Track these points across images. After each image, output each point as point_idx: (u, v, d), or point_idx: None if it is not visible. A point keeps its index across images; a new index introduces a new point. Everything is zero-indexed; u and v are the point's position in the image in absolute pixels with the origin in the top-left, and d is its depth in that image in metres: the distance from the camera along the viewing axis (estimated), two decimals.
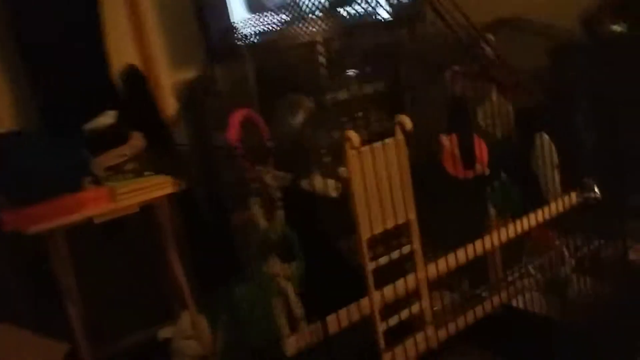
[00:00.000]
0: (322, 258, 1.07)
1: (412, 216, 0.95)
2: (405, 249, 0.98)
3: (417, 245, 0.97)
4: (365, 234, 0.89)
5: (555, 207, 1.35)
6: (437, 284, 1.13)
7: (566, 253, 1.50)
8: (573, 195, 1.39)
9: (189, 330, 2.23)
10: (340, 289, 1.05)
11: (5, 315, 1.71)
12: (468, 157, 1.22)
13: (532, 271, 1.46)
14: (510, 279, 1.43)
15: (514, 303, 1.48)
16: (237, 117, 0.98)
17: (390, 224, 0.93)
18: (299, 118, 0.96)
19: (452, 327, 1.15)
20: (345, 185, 0.92)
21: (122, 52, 2.35)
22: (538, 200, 1.37)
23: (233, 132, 0.95)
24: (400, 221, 0.94)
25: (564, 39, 1.28)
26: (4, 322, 1.61)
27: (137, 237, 2.38)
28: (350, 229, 0.96)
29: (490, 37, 1.20)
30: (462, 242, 1.23)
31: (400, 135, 0.92)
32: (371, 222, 0.89)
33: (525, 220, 1.31)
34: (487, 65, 1.06)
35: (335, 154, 0.99)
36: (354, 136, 0.84)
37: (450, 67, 1.11)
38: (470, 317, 1.21)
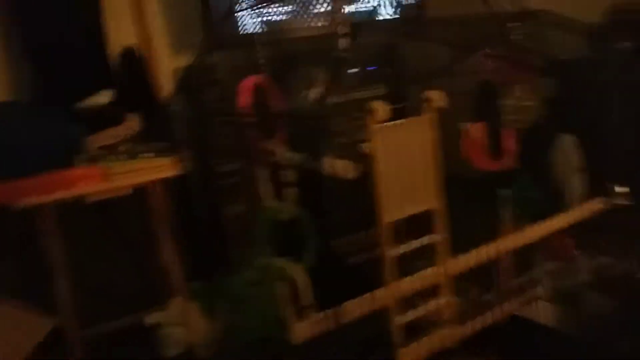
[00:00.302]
0: (331, 247, 1.01)
1: (438, 204, 0.88)
2: (428, 239, 0.91)
3: (441, 235, 0.90)
4: (386, 217, 0.81)
5: (575, 214, 1.28)
6: None
7: (582, 264, 1.44)
8: (597, 201, 1.32)
9: (178, 317, 2.16)
10: (345, 280, 0.99)
11: None
12: (496, 148, 1.15)
13: (544, 279, 1.39)
14: (520, 286, 1.37)
15: (523, 312, 1.41)
16: (249, 82, 0.91)
17: (413, 210, 0.86)
18: (315, 92, 0.89)
19: (460, 331, 1.08)
20: (364, 165, 0.84)
21: (121, 33, 2.28)
22: (559, 204, 1.30)
23: (244, 98, 0.88)
24: (425, 208, 0.87)
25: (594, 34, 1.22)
26: None
27: (129, 219, 2.31)
28: (365, 216, 0.90)
29: (517, 24, 1.14)
30: (477, 242, 1.16)
31: (429, 113, 0.85)
32: (393, 205, 0.82)
33: (543, 225, 1.24)
34: (516, 49, 0.99)
35: (351, 134, 0.92)
36: (380, 107, 0.76)
37: (479, 50, 1.04)
38: (477, 324, 1.15)
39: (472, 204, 1.22)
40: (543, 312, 1.35)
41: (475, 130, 1.13)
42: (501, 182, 1.21)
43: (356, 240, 1.04)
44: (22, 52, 2.11)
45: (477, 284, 1.28)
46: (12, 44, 2.12)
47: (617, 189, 1.28)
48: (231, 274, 1.19)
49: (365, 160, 0.84)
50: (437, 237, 0.89)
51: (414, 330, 0.96)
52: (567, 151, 1.23)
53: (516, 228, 1.20)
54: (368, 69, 1.10)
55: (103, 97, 2.11)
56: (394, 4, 0.98)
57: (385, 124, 0.80)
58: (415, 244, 0.88)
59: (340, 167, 0.91)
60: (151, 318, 2.15)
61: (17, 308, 1.65)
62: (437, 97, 0.82)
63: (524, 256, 1.34)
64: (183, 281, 2.14)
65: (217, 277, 1.90)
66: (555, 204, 1.24)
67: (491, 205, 1.28)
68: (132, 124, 2.14)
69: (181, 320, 2.11)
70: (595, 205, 1.30)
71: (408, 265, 0.96)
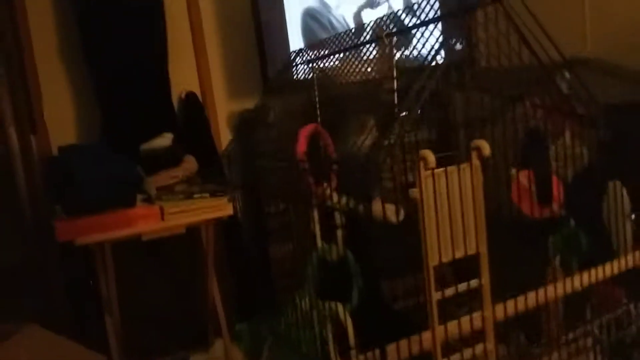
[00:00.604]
0: (377, 289, 1.02)
1: (483, 248, 0.90)
2: (474, 283, 0.92)
3: (485, 280, 0.91)
4: (433, 260, 0.84)
5: (624, 262, 1.26)
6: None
7: (633, 315, 1.40)
8: None
9: (221, 358, 2.19)
10: (390, 323, 1.00)
11: (49, 324, 1.72)
12: (544, 194, 1.16)
13: (595, 330, 1.35)
14: (570, 337, 1.33)
15: None
16: (305, 131, 0.96)
17: (459, 254, 0.88)
18: (365, 138, 0.93)
19: None
20: (412, 209, 0.87)
21: (183, 79, 2.43)
22: (608, 253, 1.28)
23: (301, 145, 0.93)
24: (470, 252, 0.89)
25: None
26: (37, 325, 1.62)
27: (180, 258, 2.39)
28: (411, 261, 0.91)
29: (566, 73, 1.16)
30: (525, 289, 1.15)
31: (476, 161, 0.88)
32: (440, 248, 0.84)
33: (591, 272, 1.22)
34: (564, 97, 1.01)
35: (399, 178, 0.95)
36: (429, 155, 0.80)
37: (528, 99, 1.07)
38: None
39: (523, 251, 1.21)
40: None
41: (523, 177, 1.15)
42: (551, 228, 1.21)
43: (402, 284, 1.05)
44: (93, 96, 2.28)
45: (525, 333, 1.26)
46: (84, 89, 2.29)
47: None
48: (276, 315, 1.22)
49: (412, 205, 0.86)
50: (482, 281, 0.90)
51: None
52: (617, 198, 1.22)
53: (565, 275, 1.18)
54: (417, 114, 1.13)
55: (165, 140, 2.23)
56: (446, 51, 1.02)
57: (434, 170, 0.83)
58: (460, 287, 0.89)
59: (388, 211, 0.94)
60: (195, 358, 2.19)
61: (69, 344, 1.71)
62: (484, 146, 0.85)
63: (574, 306, 1.32)
64: (228, 322, 2.18)
65: (262, 319, 1.93)
66: (604, 251, 1.22)
67: (541, 252, 1.28)
68: (190, 165, 2.25)
69: None
70: None
71: (454, 312, 0.97)
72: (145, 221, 1.97)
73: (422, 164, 0.80)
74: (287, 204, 1.11)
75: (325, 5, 2.46)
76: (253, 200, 2.13)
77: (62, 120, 2.28)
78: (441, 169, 0.84)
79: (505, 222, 1.08)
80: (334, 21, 2.48)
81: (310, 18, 2.42)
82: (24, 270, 2.10)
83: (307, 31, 2.42)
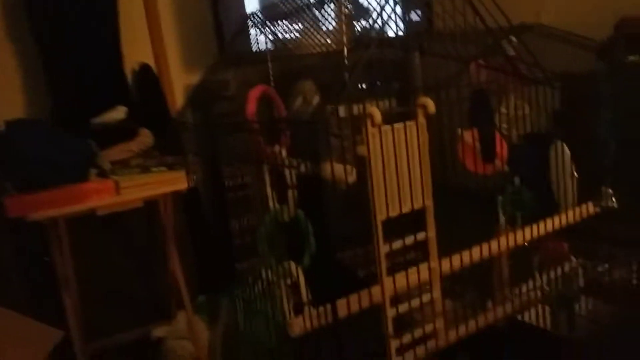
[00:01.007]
0: (327, 249, 1.05)
1: (429, 202, 0.93)
2: (420, 236, 0.95)
3: (432, 233, 0.95)
4: (380, 214, 0.86)
5: (568, 217, 1.33)
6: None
7: (579, 268, 1.47)
8: (589, 205, 1.36)
9: (184, 331, 2.20)
10: (342, 280, 1.03)
11: (2, 301, 1.69)
12: (488, 152, 1.20)
13: (542, 284, 1.42)
14: (517, 291, 1.40)
15: (520, 317, 1.45)
16: (255, 92, 0.97)
17: (406, 209, 0.90)
18: (299, 101, 0.95)
19: (455, 334, 1.11)
20: (361, 168, 0.89)
21: (136, 51, 2.38)
22: (553, 210, 1.34)
23: (250, 106, 0.94)
24: (417, 206, 0.91)
25: (590, 48, 1.27)
26: None
27: (138, 232, 2.37)
28: (361, 220, 0.94)
29: (513, 38, 1.19)
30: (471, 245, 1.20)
31: (422, 118, 0.90)
32: (387, 204, 0.87)
33: (536, 227, 1.28)
34: (509, 59, 1.05)
35: (352, 142, 0.97)
36: (375, 112, 0.82)
37: (474, 61, 1.10)
38: (472, 326, 1.17)
39: (471, 212, 1.26)
40: (539, 316, 1.38)
41: (468, 136, 1.19)
42: (497, 188, 1.26)
43: (354, 243, 1.08)
44: (41, 69, 2.21)
45: (474, 289, 1.32)
46: (31, 64, 2.21)
47: (607, 191, 1.32)
48: (236, 287, 1.23)
49: (361, 164, 0.88)
50: (428, 234, 0.94)
51: (408, 326, 0.99)
52: (560, 157, 1.28)
53: (511, 231, 1.24)
54: (375, 83, 1.15)
55: (118, 113, 2.19)
56: (404, 20, 1.03)
57: (381, 127, 0.85)
58: (407, 240, 0.92)
59: (339, 171, 0.95)
60: (158, 331, 2.20)
61: (26, 321, 1.69)
62: (429, 104, 0.88)
63: (521, 262, 1.38)
64: (190, 294, 2.18)
65: (223, 290, 1.94)
66: (549, 209, 1.28)
67: (489, 211, 1.33)
68: (145, 138, 2.22)
69: (187, 334, 2.15)
70: (587, 208, 1.34)
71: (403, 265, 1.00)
72: (100, 196, 1.95)
73: (369, 121, 0.82)
74: (242, 167, 1.12)
75: None
76: (212, 172, 2.12)
77: (9, 95, 2.21)
78: (388, 126, 0.86)
79: (454, 184, 1.11)
80: None
81: None
82: None
83: None
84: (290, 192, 0.93)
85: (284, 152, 0.95)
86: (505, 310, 1.26)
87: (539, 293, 1.39)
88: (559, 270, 1.41)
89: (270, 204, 0.99)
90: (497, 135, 1.25)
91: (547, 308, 1.48)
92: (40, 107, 2.24)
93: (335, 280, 0.95)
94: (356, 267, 1.21)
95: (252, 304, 1.10)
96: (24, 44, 2.21)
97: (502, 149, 1.25)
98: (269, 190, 0.97)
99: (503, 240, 1.17)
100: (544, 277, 1.40)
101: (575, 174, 1.31)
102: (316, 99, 0.96)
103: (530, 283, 1.38)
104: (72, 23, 2.20)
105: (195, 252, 2.45)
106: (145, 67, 2.44)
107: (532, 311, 1.45)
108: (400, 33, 1.00)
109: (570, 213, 1.29)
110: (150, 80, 2.45)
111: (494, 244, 1.16)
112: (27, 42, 2.20)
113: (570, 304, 1.47)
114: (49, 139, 1.97)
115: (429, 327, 0.99)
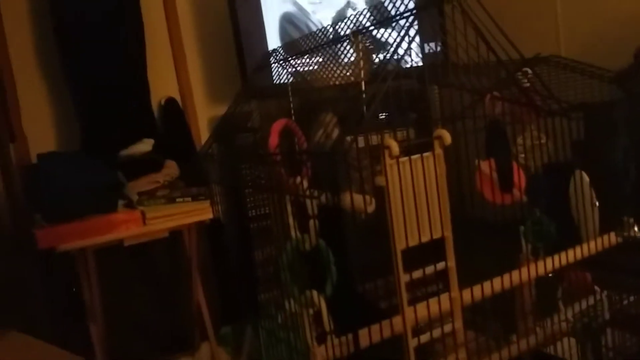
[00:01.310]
0: (348, 278, 1.06)
1: (448, 232, 0.94)
2: (440, 265, 0.96)
3: (452, 262, 0.95)
4: (400, 244, 0.88)
5: (591, 247, 1.32)
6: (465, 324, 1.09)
7: (604, 299, 1.45)
8: (611, 235, 1.35)
9: None
10: (364, 310, 1.04)
11: (31, 329, 1.73)
12: (505, 181, 1.21)
13: (567, 316, 1.40)
14: (542, 323, 1.38)
15: (546, 349, 1.43)
16: (277, 125, 1.00)
17: (425, 238, 0.92)
18: (324, 133, 0.98)
19: None
20: (380, 198, 0.92)
21: (163, 85, 2.46)
22: (575, 240, 1.34)
23: (273, 139, 0.97)
24: (436, 236, 0.93)
25: (606, 77, 1.29)
26: (16, 330, 1.63)
27: (163, 263, 2.41)
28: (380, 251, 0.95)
29: (528, 70, 1.22)
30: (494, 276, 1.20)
31: (438, 150, 0.92)
32: (407, 233, 0.88)
33: (558, 257, 1.27)
34: (525, 90, 1.07)
35: (371, 173, 0.99)
36: (393, 144, 0.84)
37: (489, 93, 1.12)
38: (495, 359, 1.16)
39: (493, 243, 1.26)
40: (565, 349, 1.36)
41: (485, 166, 1.20)
42: (518, 218, 1.26)
43: (375, 273, 1.09)
44: (72, 104, 2.30)
45: (497, 321, 1.31)
46: (63, 99, 2.30)
47: (629, 221, 1.31)
48: (259, 318, 1.25)
49: (380, 194, 0.90)
50: (448, 264, 0.95)
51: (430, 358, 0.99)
52: (582, 186, 1.28)
53: (533, 261, 1.23)
54: (393, 114, 1.17)
55: (145, 145, 2.26)
56: (420, 52, 1.06)
57: (398, 158, 0.87)
58: (428, 269, 0.93)
59: (358, 201, 0.98)
60: None
61: (50, 348, 1.72)
62: (445, 135, 0.90)
63: (544, 293, 1.37)
64: (213, 325, 2.20)
65: (246, 321, 1.95)
66: (571, 237, 1.27)
67: (511, 242, 1.33)
68: (171, 170, 2.27)
69: None
70: (609, 239, 1.33)
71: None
72: (127, 226, 1.99)
73: (387, 152, 0.84)
74: (264, 198, 1.15)
75: (303, 10, 2.51)
76: (236, 203, 2.15)
77: (41, 128, 2.30)
78: (405, 158, 0.88)
79: (474, 215, 1.12)
80: (312, 26, 2.53)
81: (288, 23, 2.47)
82: (5, 279, 2.10)
83: (285, 36, 2.47)
84: (311, 222, 0.95)
85: (305, 183, 0.97)
86: (529, 343, 1.25)
87: (564, 325, 1.37)
88: (584, 303, 1.39)
89: (292, 233, 1.01)
90: (515, 165, 1.26)
91: (572, 340, 1.46)
92: (70, 141, 2.32)
93: (356, 311, 0.97)
94: (377, 299, 1.21)
95: (275, 334, 1.11)
96: (55, 80, 2.31)
97: (519, 178, 1.26)
98: (291, 220, 1.00)
99: (525, 270, 1.17)
100: (569, 309, 1.38)
101: (596, 202, 1.31)
102: (336, 132, 0.99)
103: (555, 315, 1.36)
104: (102, 61, 2.29)
105: (218, 282, 2.48)
106: (171, 101, 2.53)
107: (558, 344, 1.42)
108: (417, 65, 1.03)
109: (592, 243, 1.29)
110: (175, 114, 2.53)
111: (515, 274, 1.16)
112: (59, 79, 2.30)
113: (597, 336, 1.45)
114: (80, 169, 2.04)
115: (451, 358, 0.99)
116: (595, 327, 1.44)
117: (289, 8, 2.52)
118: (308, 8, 2.54)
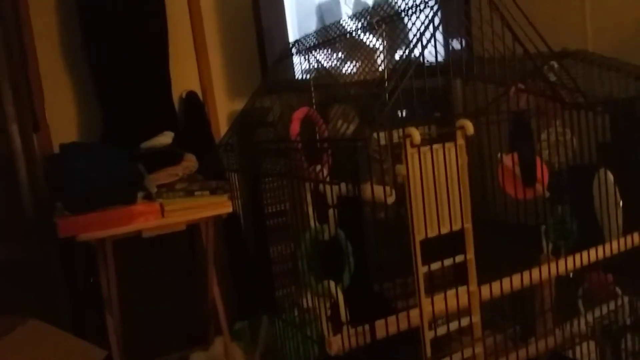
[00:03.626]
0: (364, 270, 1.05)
1: (468, 224, 0.92)
2: (459, 258, 0.95)
3: (471, 255, 0.94)
4: (419, 234, 0.86)
5: (614, 247, 1.29)
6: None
7: (626, 304, 1.42)
8: (635, 236, 1.32)
9: (221, 357, 2.21)
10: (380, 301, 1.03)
11: (49, 321, 1.74)
12: (528, 176, 1.19)
13: (587, 318, 1.37)
14: (562, 325, 1.36)
15: (565, 352, 1.40)
16: (299, 113, 1.00)
17: (445, 229, 0.90)
18: (339, 124, 0.97)
19: None
20: (400, 189, 0.90)
21: (184, 79, 2.47)
22: (598, 239, 1.31)
23: (295, 127, 0.97)
24: (456, 228, 0.91)
25: (633, 73, 1.25)
26: (37, 319, 1.64)
27: (179, 256, 2.42)
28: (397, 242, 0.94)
29: (554, 63, 1.19)
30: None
31: (461, 140, 0.91)
32: (426, 224, 0.87)
33: (579, 256, 1.24)
34: (550, 84, 1.05)
35: (386, 160, 0.98)
36: (414, 133, 0.83)
37: (514, 85, 1.10)
38: (513, 359, 1.14)
39: (514, 241, 1.24)
40: (584, 352, 1.33)
41: (508, 160, 1.18)
42: (539, 217, 1.23)
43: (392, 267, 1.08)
44: (95, 95, 2.32)
45: (516, 322, 1.29)
46: (85, 91, 2.33)
47: None
48: (276, 310, 1.24)
49: (400, 184, 0.89)
50: (468, 256, 0.93)
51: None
52: (606, 185, 1.25)
53: (554, 260, 1.21)
54: (415, 110, 1.16)
55: (165, 138, 2.26)
56: (444, 44, 1.05)
57: (420, 147, 0.86)
58: (446, 262, 0.92)
59: (378, 192, 0.97)
60: (195, 356, 2.21)
61: (70, 337, 1.73)
62: (468, 125, 0.88)
63: (565, 294, 1.34)
64: (228, 320, 2.20)
65: (262, 315, 1.95)
66: (593, 237, 1.25)
67: (532, 241, 1.30)
68: (190, 163, 2.28)
69: None
70: (632, 239, 1.30)
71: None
72: (146, 218, 2.00)
73: (408, 141, 0.83)
74: (282, 191, 1.14)
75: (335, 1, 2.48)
76: (254, 198, 2.15)
77: (63, 118, 2.32)
78: (427, 147, 0.87)
79: (495, 213, 1.10)
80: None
81: (325, 12, 2.45)
82: (26, 267, 2.13)
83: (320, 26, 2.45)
84: (330, 211, 0.95)
85: (325, 172, 0.96)
86: (547, 345, 1.22)
87: (583, 328, 1.34)
88: (605, 308, 1.36)
89: (311, 223, 1.00)
90: (538, 160, 1.24)
91: (592, 344, 1.43)
92: (92, 131, 2.35)
93: (371, 306, 0.95)
94: (394, 299, 1.20)
95: (291, 325, 1.10)
96: (79, 71, 2.33)
97: (543, 173, 1.23)
98: (310, 209, 0.99)
99: (545, 268, 1.14)
100: (589, 313, 1.35)
101: (620, 202, 1.28)
102: (356, 122, 0.98)
103: (575, 318, 1.33)
104: (125, 53, 2.31)
105: (234, 277, 2.48)
106: (191, 95, 2.53)
107: (577, 346, 1.39)
108: (440, 59, 1.01)
109: (615, 243, 1.26)
110: (196, 107, 2.54)
111: (535, 272, 1.14)
112: (82, 70, 2.32)
113: (617, 340, 1.42)
114: (101, 160, 2.05)
115: (467, 352, 0.97)
116: (615, 331, 1.41)
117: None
118: None
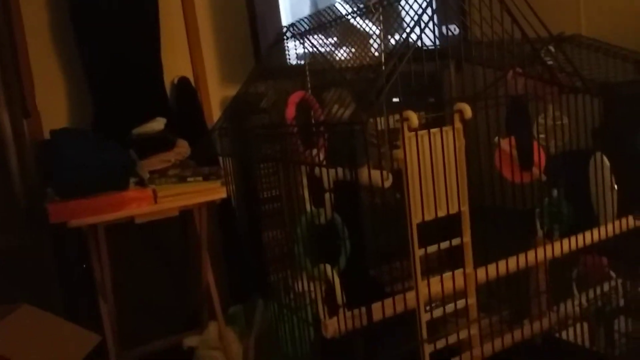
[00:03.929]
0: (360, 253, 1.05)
1: (465, 208, 0.92)
2: (456, 241, 0.95)
3: (467, 238, 0.94)
4: (416, 217, 0.86)
5: (608, 230, 1.30)
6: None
7: (619, 286, 1.43)
8: (629, 219, 1.33)
9: (215, 341, 2.21)
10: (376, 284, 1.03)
11: (42, 304, 1.73)
12: (525, 159, 1.19)
13: (580, 300, 1.39)
14: (555, 307, 1.37)
15: (558, 334, 1.42)
16: (295, 97, 0.99)
17: (442, 213, 0.90)
18: (335, 108, 0.96)
19: (490, 348, 1.09)
20: (397, 173, 0.90)
21: (176, 65, 2.45)
22: (592, 223, 1.32)
23: (290, 111, 0.96)
24: (453, 211, 0.91)
25: (630, 58, 1.25)
26: (29, 305, 1.63)
27: (172, 242, 2.41)
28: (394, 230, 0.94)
29: (551, 48, 1.19)
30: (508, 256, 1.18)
31: (458, 124, 0.90)
32: (423, 207, 0.87)
33: (574, 239, 1.25)
34: (547, 68, 1.04)
35: (383, 143, 0.97)
36: (412, 116, 0.82)
37: (512, 68, 1.10)
38: (507, 340, 1.15)
39: (508, 224, 1.24)
40: (577, 333, 1.34)
41: (505, 144, 1.18)
42: (534, 200, 1.24)
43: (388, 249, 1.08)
44: (86, 81, 2.29)
45: (510, 305, 1.30)
46: (75, 76, 2.30)
47: None
48: (268, 298, 1.24)
49: (396, 167, 0.89)
50: (464, 239, 0.93)
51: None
52: (601, 169, 1.26)
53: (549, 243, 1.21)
54: (411, 95, 1.15)
55: (157, 124, 2.25)
56: (440, 30, 1.04)
57: (417, 131, 0.85)
58: (443, 245, 0.92)
59: (375, 176, 0.96)
60: (189, 341, 2.22)
61: (64, 323, 1.72)
62: (465, 109, 0.88)
63: (559, 277, 1.35)
64: (222, 304, 2.20)
65: (254, 301, 1.95)
66: (588, 220, 1.25)
67: (526, 224, 1.31)
68: (183, 149, 2.27)
69: (218, 345, 2.16)
70: (627, 222, 1.31)
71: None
72: (138, 204, 1.99)
73: (405, 125, 0.83)
74: (277, 175, 1.13)
75: None
76: (248, 183, 2.14)
77: (54, 105, 2.30)
78: (424, 131, 0.87)
79: (491, 198, 1.10)
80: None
81: None
82: (18, 254, 2.11)
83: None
84: (327, 195, 0.94)
85: (321, 156, 0.96)
86: (542, 326, 1.24)
87: (577, 309, 1.35)
88: (599, 289, 1.38)
89: (307, 206, 1.00)
90: (535, 144, 1.24)
91: (585, 325, 1.44)
92: (83, 117, 2.32)
93: (366, 290, 0.96)
94: (391, 282, 1.20)
95: (286, 308, 1.10)
96: (69, 57, 2.30)
97: (539, 157, 1.23)
98: (306, 193, 0.99)
99: (540, 251, 1.15)
100: (583, 294, 1.36)
101: (615, 186, 1.28)
102: (352, 106, 0.97)
103: (569, 299, 1.34)
104: (116, 39, 2.28)
105: (227, 262, 2.48)
106: (184, 81, 2.51)
107: (570, 328, 1.41)
108: (437, 43, 1.01)
109: (610, 226, 1.26)
110: (188, 93, 2.52)
111: (530, 255, 1.14)
112: (73, 56, 2.29)
113: (609, 321, 1.43)
114: (92, 147, 2.03)
115: (463, 334, 0.98)
116: (608, 313, 1.43)
117: None
118: None
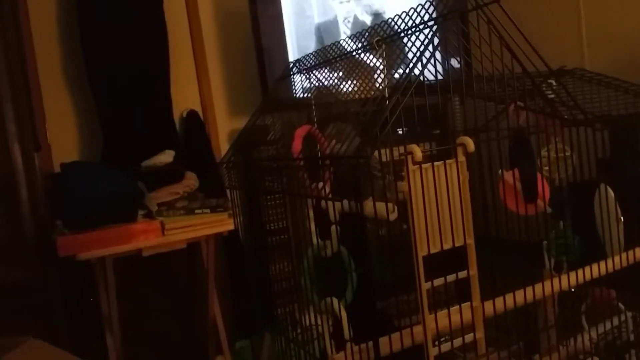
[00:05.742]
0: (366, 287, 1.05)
1: (471, 240, 0.93)
2: (462, 274, 0.95)
3: (473, 270, 0.94)
4: (422, 250, 0.87)
5: (615, 262, 1.29)
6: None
7: (629, 320, 1.41)
8: (637, 250, 1.33)
9: None
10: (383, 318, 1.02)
11: (48, 340, 1.72)
12: (529, 191, 1.20)
13: (588, 334, 1.37)
14: (565, 341, 1.35)
15: None
16: (301, 130, 1.01)
17: (447, 246, 0.91)
18: (352, 143, 0.97)
19: None
20: (402, 205, 0.91)
21: (185, 98, 2.49)
22: (600, 255, 1.31)
23: (297, 144, 0.97)
24: (458, 244, 0.92)
25: (631, 90, 1.27)
26: (36, 339, 1.62)
27: (181, 274, 2.41)
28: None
29: (552, 81, 1.21)
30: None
31: (462, 157, 0.92)
32: (428, 240, 0.87)
33: (582, 272, 1.24)
34: (548, 101, 1.06)
35: (387, 174, 0.98)
36: (416, 150, 0.84)
37: (513, 102, 1.12)
38: None
39: (516, 257, 1.24)
40: None
41: (509, 176, 1.19)
42: (541, 233, 1.24)
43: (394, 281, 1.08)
44: (96, 114, 2.33)
45: (520, 339, 1.28)
46: (86, 109, 2.34)
47: None
48: (276, 332, 1.24)
49: (402, 201, 0.90)
50: (470, 272, 0.93)
51: None
52: (607, 201, 1.26)
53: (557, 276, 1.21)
54: (415, 127, 1.17)
55: (166, 156, 2.27)
56: (442, 67, 1.06)
57: (421, 164, 0.86)
58: (449, 277, 0.92)
59: (380, 209, 0.97)
60: None
61: (70, 357, 1.71)
62: (468, 142, 0.89)
63: (568, 310, 1.34)
64: (229, 339, 2.19)
65: (261, 336, 1.94)
66: (595, 252, 1.25)
67: (534, 257, 1.30)
68: (191, 182, 2.29)
69: None
70: (635, 254, 1.30)
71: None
72: (146, 236, 2.00)
73: (409, 158, 0.84)
74: (284, 209, 1.14)
75: (335, 22, 2.51)
76: (254, 216, 2.15)
77: (65, 138, 2.33)
78: (428, 164, 0.88)
79: (497, 230, 1.10)
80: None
81: (324, 33, 2.48)
82: (25, 286, 2.12)
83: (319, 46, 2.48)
84: (333, 228, 0.95)
85: (327, 189, 0.97)
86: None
87: (587, 344, 1.34)
88: (608, 324, 1.36)
89: (314, 239, 1.00)
90: (539, 176, 1.24)
91: None
92: (93, 150, 2.35)
93: (373, 323, 0.95)
94: (397, 315, 1.19)
95: (293, 342, 1.10)
96: (80, 90, 2.35)
97: (544, 189, 1.24)
98: (312, 225, 0.99)
99: (548, 284, 1.14)
100: (593, 329, 1.35)
101: (621, 217, 1.28)
102: (357, 140, 0.99)
103: (579, 334, 1.33)
104: (127, 73, 2.33)
105: (235, 295, 2.47)
106: (192, 114, 2.55)
107: None
108: (440, 77, 1.03)
109: (617, 259, 1.26)
110: (196, 126, 2.55)
111: (538, 288, 1.14)
112: (83, 89, 2.33)
113: (621, 356, 1.41)
114: (102, 179, 2.05)
115: None
116: (619, 347, 1.40)
117: (320, 19, 2.52)
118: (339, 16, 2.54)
